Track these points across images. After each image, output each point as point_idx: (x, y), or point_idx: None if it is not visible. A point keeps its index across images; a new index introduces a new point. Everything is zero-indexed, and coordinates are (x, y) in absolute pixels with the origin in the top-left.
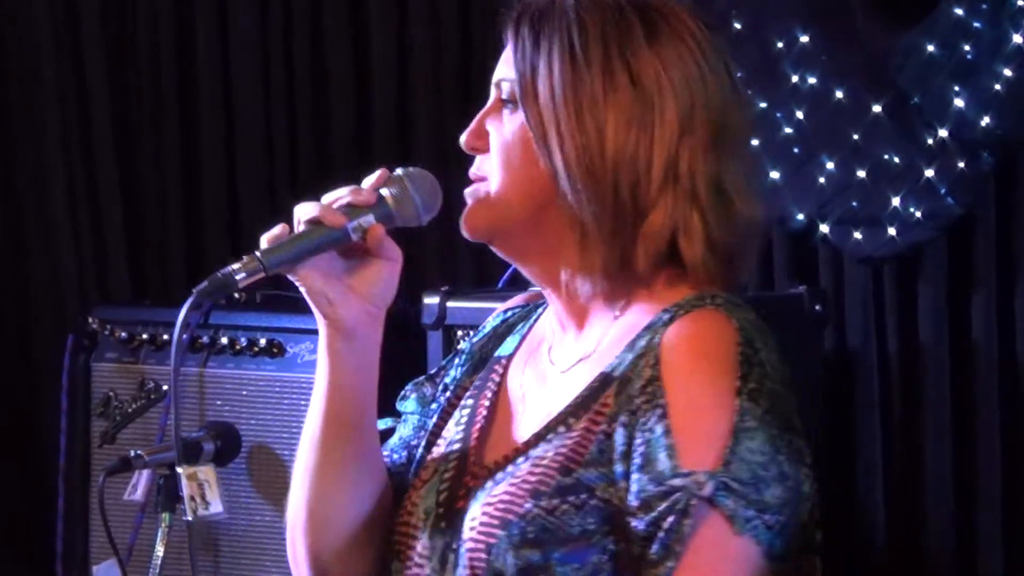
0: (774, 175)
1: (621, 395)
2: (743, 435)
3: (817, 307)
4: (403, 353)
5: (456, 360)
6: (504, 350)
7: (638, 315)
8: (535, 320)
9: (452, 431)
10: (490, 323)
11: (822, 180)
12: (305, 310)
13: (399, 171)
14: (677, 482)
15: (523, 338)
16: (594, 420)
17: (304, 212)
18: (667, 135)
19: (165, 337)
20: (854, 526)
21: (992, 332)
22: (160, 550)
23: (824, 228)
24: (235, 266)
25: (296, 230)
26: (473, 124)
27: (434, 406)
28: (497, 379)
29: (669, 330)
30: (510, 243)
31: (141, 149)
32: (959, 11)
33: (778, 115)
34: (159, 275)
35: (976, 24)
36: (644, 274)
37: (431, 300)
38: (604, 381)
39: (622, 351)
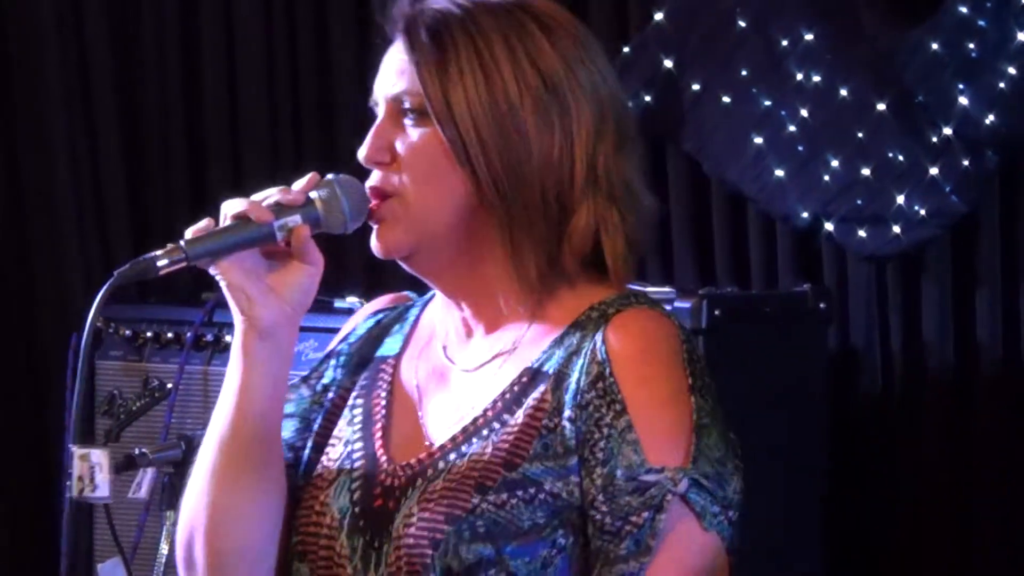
0: (779, 173)
1: (559, 390)
2: (703, 431)
3: (821, 305)
4: None
5: (332, 362)
6: (387, 351)
7: (558, 312)
8: (415, 321)
9: (346, 431)
10: (361, 325)
11: (826, 178)
12: (309, 310)
13: (330, 176)
14: (651, 478)
15: (406, 338)
16: (533, 416)
17: (232, 207)
18: (584, 135)
19: (169, 335)
20: (857, 524)
21: (996, 330)
22: (164, 548)
23: (828, 226)
24: (158, 252)
25: (222, 224)
26: (373, 138)
27: (316, 408)
28: (388, 378)
29: (610, 329)
30: (431, 257)
31: (147, 147)
32: (964, 9)
33: (782, 113)
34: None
35: (981, 22)
36: (569, 274)
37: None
38: (533, 377)
39: (548, 347)
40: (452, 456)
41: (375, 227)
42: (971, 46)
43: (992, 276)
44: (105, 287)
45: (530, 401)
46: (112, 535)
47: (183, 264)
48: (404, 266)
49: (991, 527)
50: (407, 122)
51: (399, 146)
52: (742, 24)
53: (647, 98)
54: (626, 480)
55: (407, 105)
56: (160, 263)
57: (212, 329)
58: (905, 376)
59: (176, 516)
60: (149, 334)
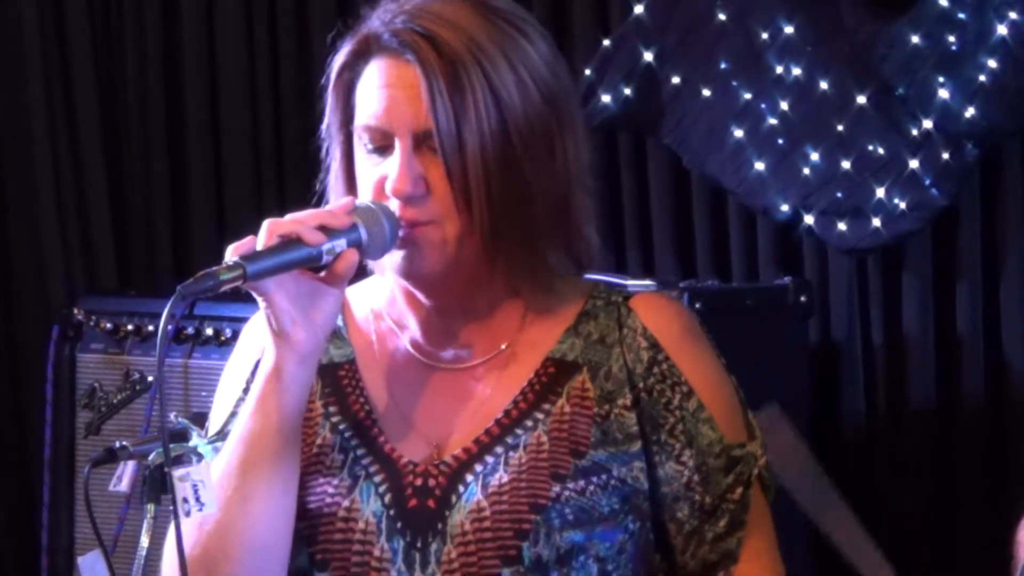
0: (759, 166)
1: (599, 378)
2: (745, 405)
3: (802, 298)
4: None
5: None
6: (338, 357)
7: (560, 303)
8: (346, 324)
9: (335, 439)
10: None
11: (807, 171)
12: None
13: (370, 202)
14: (737, 453)
15: (349, 343)
16: (581, 404)
17: (278, 227)
18: (578, 136)
19: (150, 328)
20: None
21: (977, 323)
22: (145, 541)
23: (809, 219)
24: (219, 268)
25: (265, 243)
26: (405, 170)
27: None
28: (356, 383)
29: (644, 315)
30: (452, 277)
31: (128, 140)
32: (944, 2)
33: (762, 106)
34: (145, 266)
35: (961, 15)
36: (576, 268)
37: None
38: (560, 366)
39: (563, 336)
40: (498, 449)
41: (404, 251)
42: (951, 39)
43: (973, 269)
44: (171, 302)
45: (570, 390)
46: (93, 528)
47: (240, 282)
48: (407, 284)
49: (973, 518)
50: (435, 152)
51: (431, 177)
52: (722, 17)
53: (627, 91)
54: (716, 458)
55: (434, 138)
56: (223, 279)
57: (193, 322)
58: (886, 369)
59: (157, 509)
60: (130, 327)
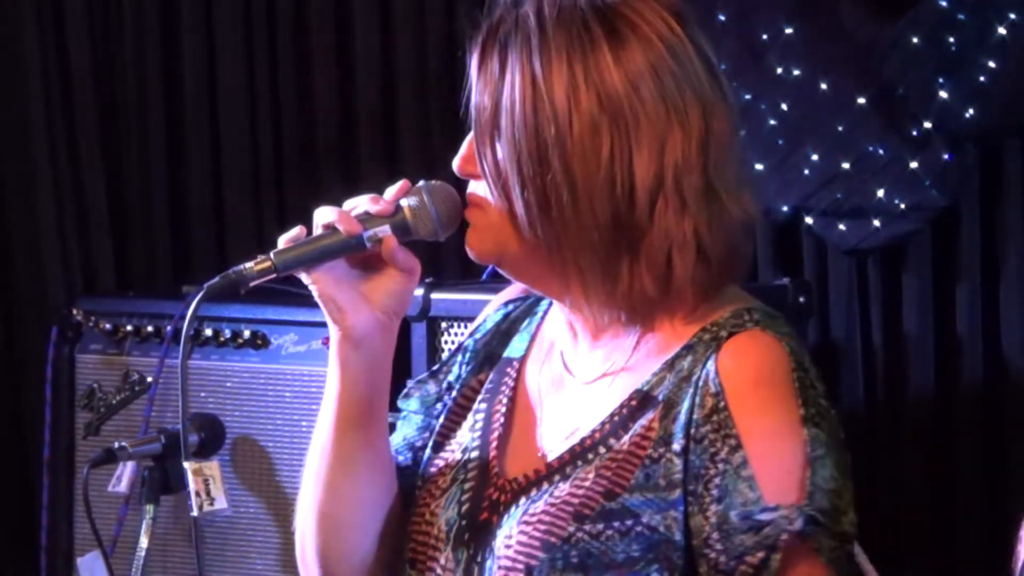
0: (759, 167)
1: (667, 419)
2: (817, 464)
3: (801, 299)
4: None
5: (459, 358)
6: (514, 352)
7: (670, 332)
8: (542, 318)
9: (467, 437)
10: (491, 318)
11: (807, 172)
12: (289, 302)
13: (421, 184)
14: (765, 516)
15: (532, 339)
16: (639, 444)
17: (323, 216)
18: (645, 152)
19: (150, 329)
20: None
21: (976, 323)
22: (144, 542)
23: (809, 220)
24: (248, 264)
25: (314, 233)
26: (464, 148)
27: (439, 406)
28: (512, 383)
29: (723, 357)
30: (516, 267)
31: (127, 142)
32: (943, 3)
33: (763, 107)
34: (144, 266)
35: (960, 16)
36: (661, 293)
37: (415, 292)
38: (642, 401)
39: (658, 369)
40: (556, 477)
41: (468, 230)
42: (951, 40)
43: (972, 270)
44: (196, 299)
45: (637, 428)
46: (92, 528)
47: (273, 276)
48: (502, 272)
49: (973, 518)
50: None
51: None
52: (722, 18)
53: None
54: (741, 519)
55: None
56: (249, 275)
57: (193, 323)
58: (886, 370)
59: (155, 510)
60: (129, 327)
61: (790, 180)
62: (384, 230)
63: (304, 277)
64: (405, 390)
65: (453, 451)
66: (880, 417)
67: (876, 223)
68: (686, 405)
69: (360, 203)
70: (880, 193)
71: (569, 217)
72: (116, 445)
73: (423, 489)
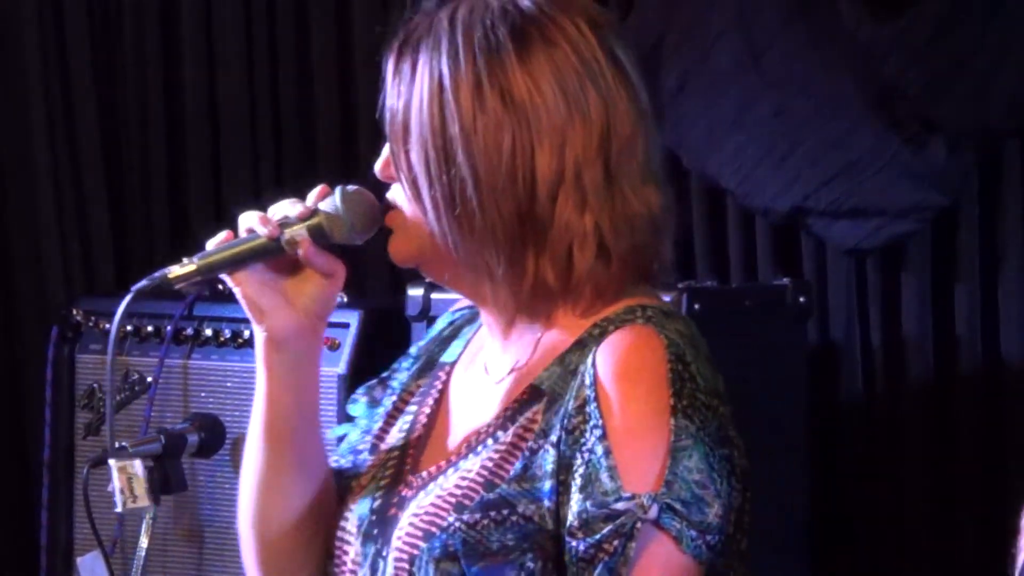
0: (758, 166)
1: (550, 412)
2: (680, 454)
3: (800, 299)
4: (387, 345)
5: (404, 363)
6: (448, 356)
7: (566, 327)
8: (480, 326)
9: (395, 437)
10: (439, 324)
11: (807, 172)
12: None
13: (337, 189)
14: (620, 506)
15: (466, 344)
16: (521, 436)
17: (245, 221)
18: (547, 148)
19: (150, 329)
20: (837, 518)
21: (976, 324)
22: (144, 542)
23: (808, 220)
24: (174, 267)
25: (238, 237)
26: (385, 152)
27: (381, 410)
28: (440, 386)
29: (600, 350)
30: (433, 269)
31: (127, 142)
32: (944, 3)
33: (763, 107)
34: (144, 267)
35: (960, 16)
36: (562, 288)
37: (415, 292)
38: (532, 394)
39: (551, 364)
40: (450, 471)
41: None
42: (951, 40)
43: (972, 270)
44: (124, 301)
45: (522, 420)
46: (92, 528)
47: (197, 279)
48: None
49: (972, 520)
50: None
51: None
52: (722, 18)
53: None
54: (599, 508)
55: None
56: (173, 277)
57: (192, 323)
58: (885, 370)
59: (156, 510)
60: (129, 328)
61: (790, 180)
62: (301, 234)
63: (228, 279)
64: (353, 396)
65: (384, 452)
66: (879, 417)
67: (875, 223)
68: (567, 398)
69: (282, 207)
70: (880, 193)
71: (474, 212)
72: (116, 445)
73: (349, 489)
